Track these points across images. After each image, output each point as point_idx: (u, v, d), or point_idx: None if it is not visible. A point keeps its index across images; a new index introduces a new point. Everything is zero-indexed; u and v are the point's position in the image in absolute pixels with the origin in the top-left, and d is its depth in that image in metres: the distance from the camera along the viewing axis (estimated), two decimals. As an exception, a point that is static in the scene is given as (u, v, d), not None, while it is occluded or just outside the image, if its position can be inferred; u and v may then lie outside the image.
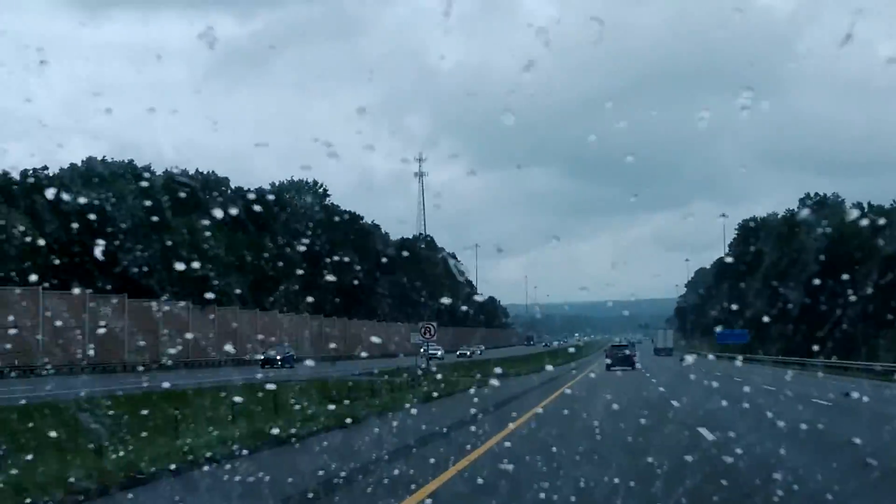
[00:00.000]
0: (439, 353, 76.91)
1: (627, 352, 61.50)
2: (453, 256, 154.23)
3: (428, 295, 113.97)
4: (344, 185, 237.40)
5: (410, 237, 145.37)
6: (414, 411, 23.14)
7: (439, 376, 37.40)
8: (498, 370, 37.14)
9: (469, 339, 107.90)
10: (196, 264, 44.45)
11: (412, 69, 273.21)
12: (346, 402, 23.87)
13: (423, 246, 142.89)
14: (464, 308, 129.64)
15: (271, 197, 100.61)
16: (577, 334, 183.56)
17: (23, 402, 23.32)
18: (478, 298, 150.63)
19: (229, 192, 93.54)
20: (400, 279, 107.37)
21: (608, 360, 60.47)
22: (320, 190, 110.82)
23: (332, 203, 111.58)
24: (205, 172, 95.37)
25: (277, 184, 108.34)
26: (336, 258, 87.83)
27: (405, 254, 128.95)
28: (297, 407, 20.74)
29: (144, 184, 62.37)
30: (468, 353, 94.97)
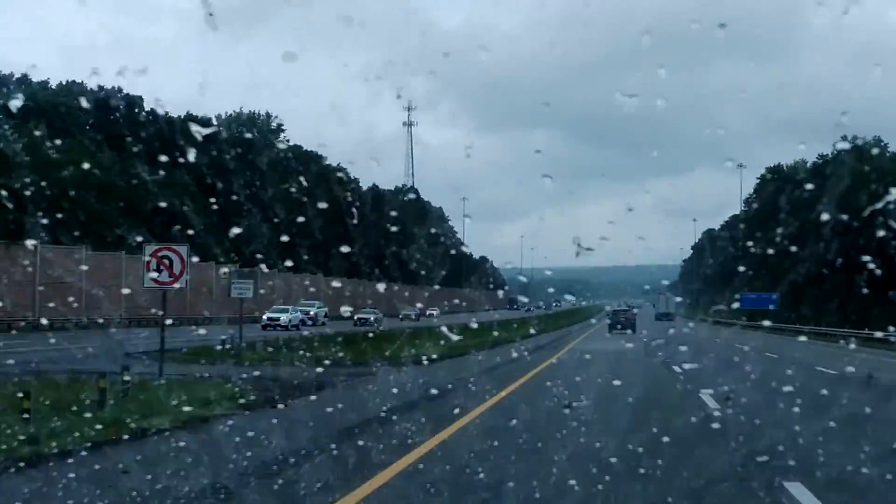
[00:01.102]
0: (371, 317, 65.27)
1: (628, 316, 64.66)
2: (441, 212, 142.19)
3: (407, 252, 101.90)
4: (342, 147, 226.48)
5: (392, 188, 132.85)
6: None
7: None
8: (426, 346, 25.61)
9: (439, 300, 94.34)
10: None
11: (412, 28, 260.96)
12: None
13: (405, 199, 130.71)
14: (447, 269, 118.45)
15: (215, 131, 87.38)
16: (570, 297, 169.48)
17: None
18: (464, 251, 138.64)
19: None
20: (373, 232, 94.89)
21: (610, 323, 65.13)
22: (273, 124, 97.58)
23: (288, 140, 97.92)
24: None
25: (225, 116, 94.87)
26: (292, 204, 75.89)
27: (393, 213, 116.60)
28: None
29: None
30: (413, 315, 76.91)
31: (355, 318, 65.75)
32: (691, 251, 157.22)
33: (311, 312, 63.26)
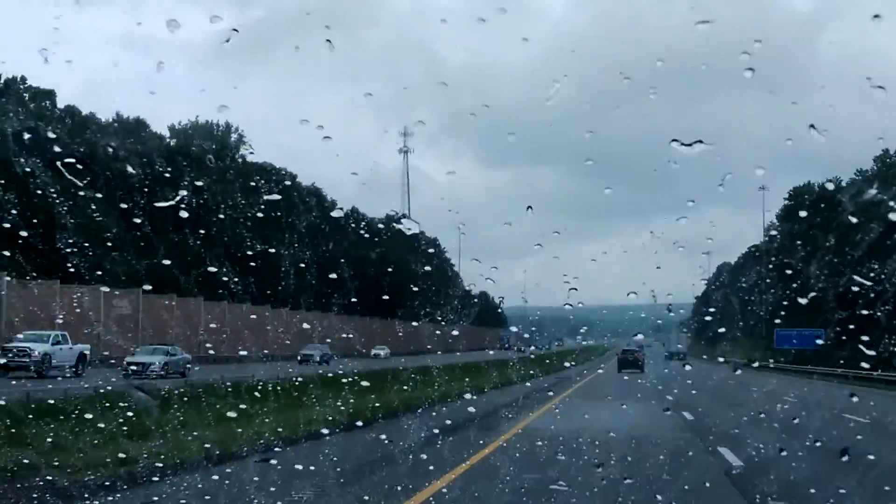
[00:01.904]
0: (316, 354, 55.32)
1: (637, 355, 65.56)
2: (436, 243, 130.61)
3: (398, 284, 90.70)
4: (344, 182, 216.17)
5: (384, 216, 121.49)
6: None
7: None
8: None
9: (418, 337, 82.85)
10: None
11: (418, 64, 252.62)
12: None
13: (394, 227, 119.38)
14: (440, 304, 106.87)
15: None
16: (576, 338, 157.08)
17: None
18: (462, 286, 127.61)
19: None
20: (351, 261, 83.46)
21: (619, 362, 65.52)
22: (235, 135, 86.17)
23: (252, 156, 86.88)
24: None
25: (178, 125, 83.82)
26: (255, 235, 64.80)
27: (376, 240, 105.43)
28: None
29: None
30: (316, 356, 59.69)
31: (299, 354, 54.83)
32: (704, 287, 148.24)
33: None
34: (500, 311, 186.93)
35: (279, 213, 72.40)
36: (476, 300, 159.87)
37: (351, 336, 72.10)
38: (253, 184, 72.97)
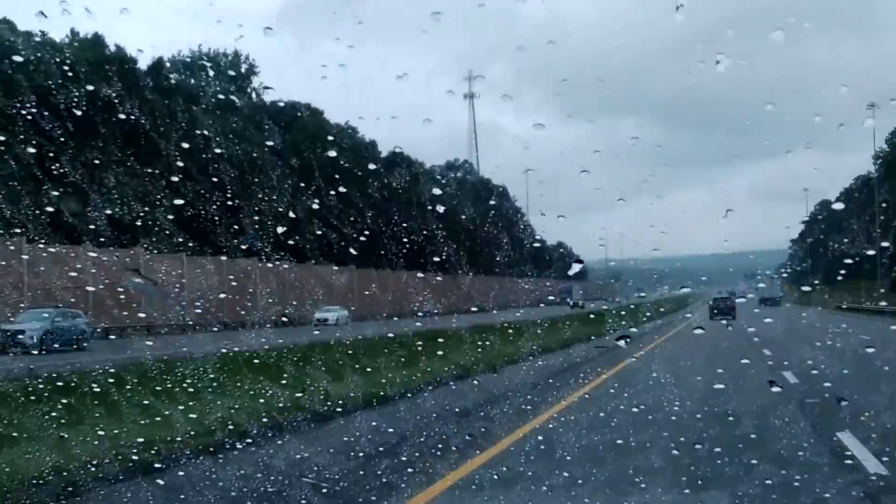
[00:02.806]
0: (331, 316, 48.60)
1: (728, 303, 65.33)
2: (504, 192, 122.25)
3: (443, 233, 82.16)
4: (418, 144, 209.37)
5: (444, 163, 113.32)
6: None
7: None
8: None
9: (474, 291, 74.70)
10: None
11: (490, 16, 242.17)
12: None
13: (459, 175, 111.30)
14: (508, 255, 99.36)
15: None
16: (638, 293, 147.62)
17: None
18: (534, 236, 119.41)
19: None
20: (399, 210, 75.54)
21: (710, 309, 66.82)
22: (244, 64, 77.09)
23: (266, 88, 78.19)
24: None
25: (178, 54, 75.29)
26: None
27: (437, 191, 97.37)
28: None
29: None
30: (331, 319, 52.50)
31: (314, 317, 47.30)
32: (802, 229, 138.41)
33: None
34: (580, 262, 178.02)
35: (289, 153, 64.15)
36: (551, 253, 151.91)
37: (383, 294, 64.20)
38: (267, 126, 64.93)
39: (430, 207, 77.82)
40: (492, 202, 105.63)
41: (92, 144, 49.23)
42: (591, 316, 48.80)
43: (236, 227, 52.03)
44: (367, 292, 62.89)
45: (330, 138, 66.53)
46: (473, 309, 65.93)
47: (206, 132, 54.22)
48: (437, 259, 72.62)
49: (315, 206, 61.07)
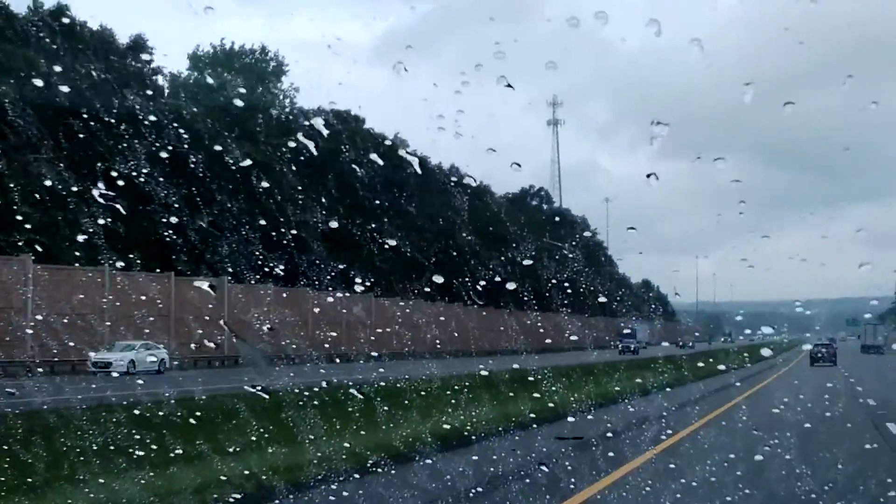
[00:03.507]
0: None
1: (829, 350, 66.25)
2: (584, 222, 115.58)
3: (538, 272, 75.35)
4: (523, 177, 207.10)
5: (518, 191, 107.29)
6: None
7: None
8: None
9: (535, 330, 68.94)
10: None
11: (590, 53, 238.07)
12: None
13: (536, 203, 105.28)
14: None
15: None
16: (765, 329, 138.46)
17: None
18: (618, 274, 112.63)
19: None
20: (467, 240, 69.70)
21: (811, 356, 67.56)
22: (271, 66, 70.84)
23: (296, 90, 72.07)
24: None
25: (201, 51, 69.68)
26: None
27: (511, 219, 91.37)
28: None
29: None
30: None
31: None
32: None
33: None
34: (665, 304, 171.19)
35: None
36: (639, 291, 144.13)
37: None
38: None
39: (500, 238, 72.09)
40: (574, 234, 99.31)
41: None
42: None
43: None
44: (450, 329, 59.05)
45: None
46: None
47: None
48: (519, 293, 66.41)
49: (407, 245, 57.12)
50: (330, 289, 48.57)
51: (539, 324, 71.52)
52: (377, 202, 53.72)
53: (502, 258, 71.48)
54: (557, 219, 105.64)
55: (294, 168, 51.17)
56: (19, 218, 42.31)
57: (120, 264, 43.09)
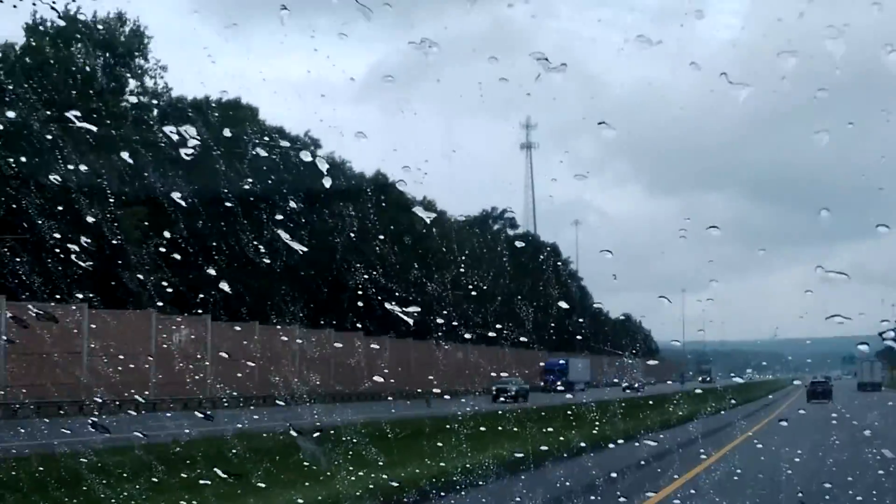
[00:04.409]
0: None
1: (825, 386, 69.55)
2: (556, 250, 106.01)
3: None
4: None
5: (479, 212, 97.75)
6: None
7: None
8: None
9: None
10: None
11: (577, 88, 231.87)
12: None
13: (498, 227, 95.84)
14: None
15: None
16: (703, 375, 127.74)
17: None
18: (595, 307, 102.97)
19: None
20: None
21: (808, 393, 69.24)
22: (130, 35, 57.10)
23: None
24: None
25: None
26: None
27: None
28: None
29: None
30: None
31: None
32: None
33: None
34: (647, 341, 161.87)
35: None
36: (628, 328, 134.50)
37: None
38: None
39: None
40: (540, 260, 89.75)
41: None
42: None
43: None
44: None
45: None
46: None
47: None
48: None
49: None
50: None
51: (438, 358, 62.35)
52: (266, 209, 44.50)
53: (428, 283, 62.10)
54: (521, 244, 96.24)
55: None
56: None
57: None
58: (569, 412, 26.97)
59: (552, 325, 74.95)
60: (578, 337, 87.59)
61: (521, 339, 61.17)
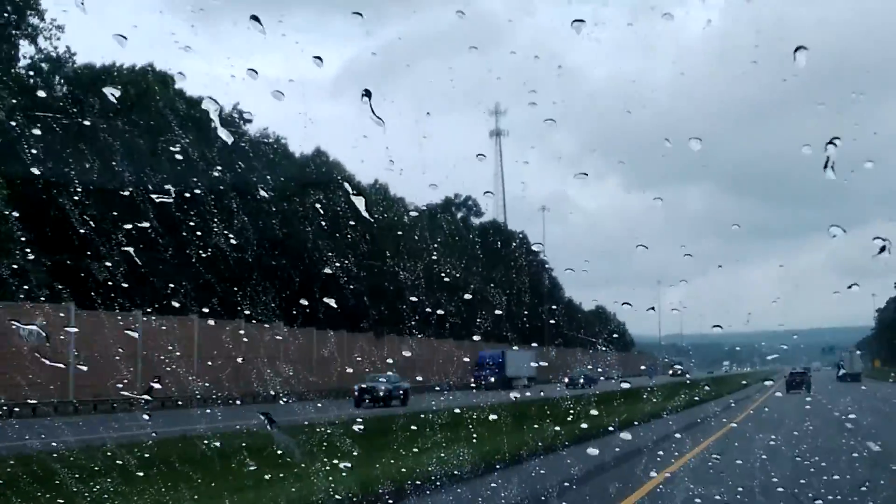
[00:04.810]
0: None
1: (803, 377, 70.40)
2: (525, 239, 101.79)
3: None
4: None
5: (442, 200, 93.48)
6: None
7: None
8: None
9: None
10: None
11: (556, 84, 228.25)
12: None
13: (461, 215, 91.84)
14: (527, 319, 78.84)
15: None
16: (677, 367, 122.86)
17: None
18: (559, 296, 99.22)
19: None
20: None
21: (787, 383, 69.55)
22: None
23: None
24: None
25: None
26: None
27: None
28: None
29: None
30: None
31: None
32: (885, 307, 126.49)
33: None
34: (623, 334, 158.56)
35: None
36: (602, 320, 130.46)
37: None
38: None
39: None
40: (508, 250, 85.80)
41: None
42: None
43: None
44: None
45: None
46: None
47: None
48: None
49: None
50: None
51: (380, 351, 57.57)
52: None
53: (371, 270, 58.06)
54: (491, 233, 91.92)
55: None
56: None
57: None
58: (443, 422, 21.04)
59: (516, 316, 71.01)
60: (539, 326, 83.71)
61: (462, 330, 56.65)
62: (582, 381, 66.44)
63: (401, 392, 49.74)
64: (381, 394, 48.04)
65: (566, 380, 67.53)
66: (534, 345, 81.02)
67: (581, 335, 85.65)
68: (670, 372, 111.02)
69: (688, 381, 67.46)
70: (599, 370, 74.09)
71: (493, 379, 66.33)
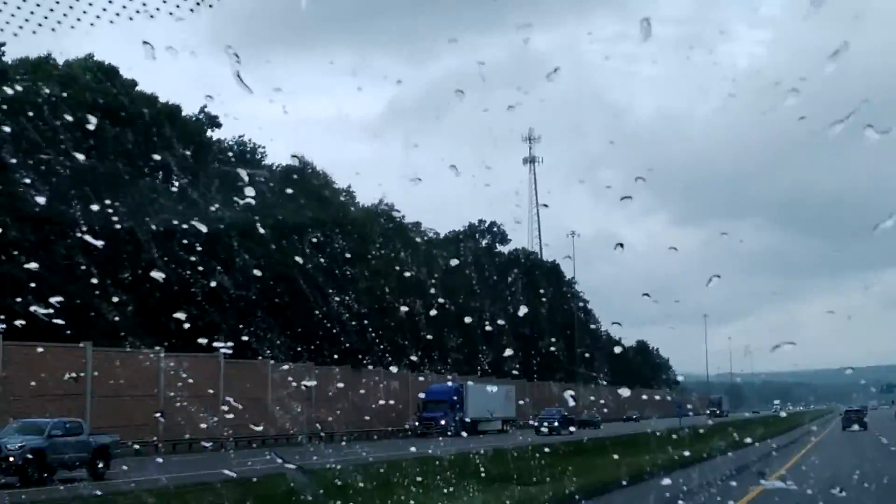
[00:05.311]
0: None
1: (860, 414, 69.16)
2: (560, 273, 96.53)
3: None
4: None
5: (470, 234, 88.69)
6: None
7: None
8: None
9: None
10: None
11: (601, 118, 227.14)
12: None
13: (487, 243, 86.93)
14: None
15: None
16: (717, 409, 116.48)
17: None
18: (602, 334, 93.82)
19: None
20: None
21: (843, 420, 70.36)
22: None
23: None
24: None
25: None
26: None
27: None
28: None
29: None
30: None
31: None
32: None
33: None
34: (667, 371, 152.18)
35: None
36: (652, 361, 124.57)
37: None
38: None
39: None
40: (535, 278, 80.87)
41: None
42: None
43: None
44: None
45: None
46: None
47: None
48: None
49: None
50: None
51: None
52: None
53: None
54: (523, 263, 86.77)
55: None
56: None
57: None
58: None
59: (532, 350, 65.62)
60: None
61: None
62: (556, 423, 58.86)
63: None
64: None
65: (543, 424, 58.72)
66: (509, 379, 67.25)
67: (582, 371, 78.36)
68: (708, 412, 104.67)
69: (711, 423, 61.76)
70: (586, 411, 65.58)
71: (442, 422, 55.22)
